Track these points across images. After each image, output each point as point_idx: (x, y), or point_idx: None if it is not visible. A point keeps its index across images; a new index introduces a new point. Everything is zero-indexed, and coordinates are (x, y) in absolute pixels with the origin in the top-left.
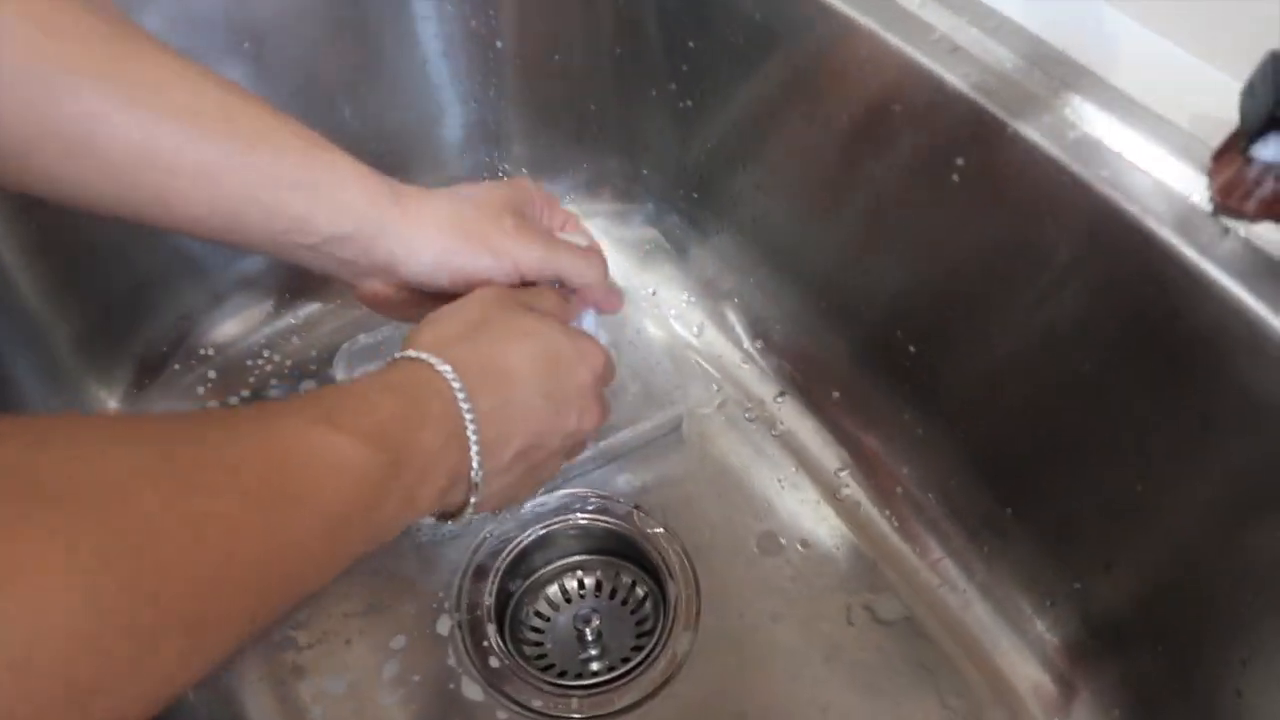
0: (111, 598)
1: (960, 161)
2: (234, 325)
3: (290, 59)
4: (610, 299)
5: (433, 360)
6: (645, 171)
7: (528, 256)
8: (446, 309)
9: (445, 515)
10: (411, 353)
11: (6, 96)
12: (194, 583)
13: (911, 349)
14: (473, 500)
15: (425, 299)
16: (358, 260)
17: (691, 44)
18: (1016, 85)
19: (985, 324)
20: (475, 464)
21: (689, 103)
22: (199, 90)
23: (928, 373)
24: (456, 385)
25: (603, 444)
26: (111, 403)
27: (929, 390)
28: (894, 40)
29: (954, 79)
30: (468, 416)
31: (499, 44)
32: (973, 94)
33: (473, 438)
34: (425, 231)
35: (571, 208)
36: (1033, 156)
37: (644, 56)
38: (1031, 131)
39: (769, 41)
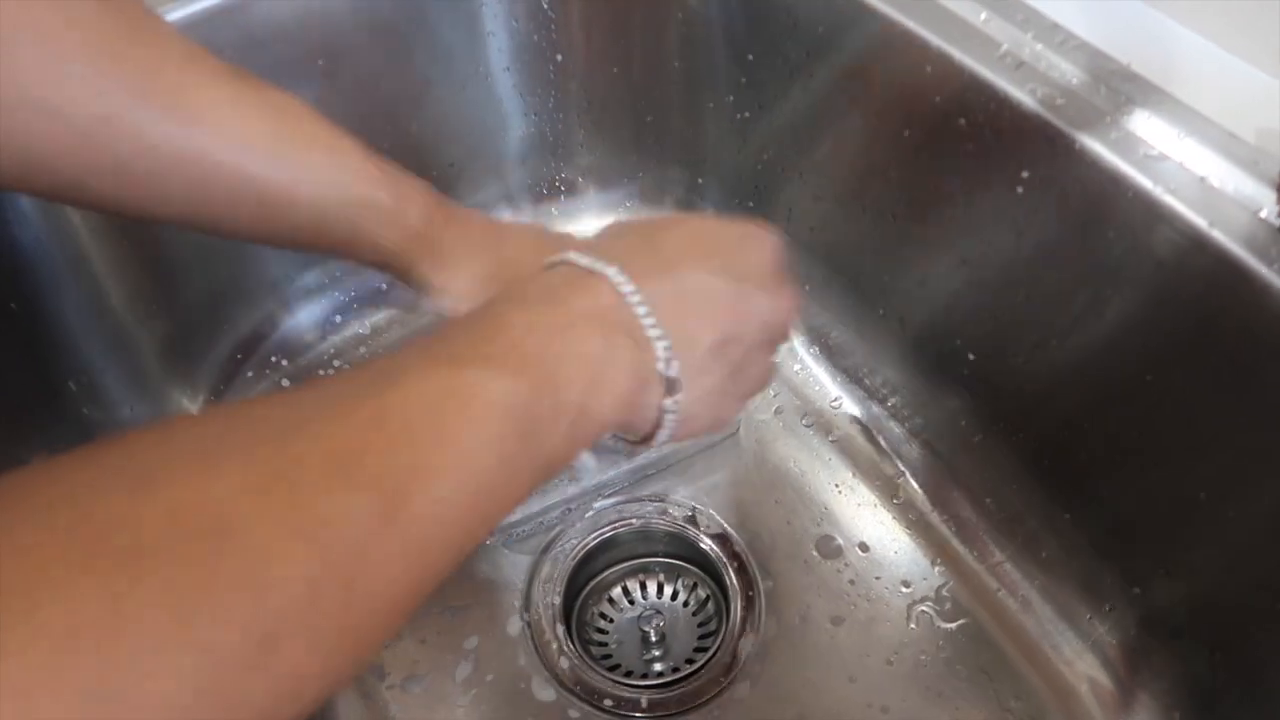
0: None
1: (1025, 174)
2: (304, 334)
3: (362, 76)
4: None
5: (573, 257)
6: (702, 180)
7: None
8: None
9: (644, 438)
10: (555, 257)
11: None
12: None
13: (970, 356)
14: (674, 401)
15: None
16: (401, 275)
17: (751, 57)
18: (1082, 100)
19: (1045, 332)
20: (662, 353)
21: (747, 114)
22: (289, 116)
23: (986, 379)
24: (612, 272)
25: (664, 450)
26: (193, 408)
27: (987, 396)
28: (959, 55)
29: (1020, 94)
30: (634, 300)
31: (559, 57)
32: (1039, 109)
33: (649, 323)
34: (457, 279)
35: (631, 216)
36: (1099, 170)
37: (704, 69)
38: (1097, 145)
39: (830, 55)
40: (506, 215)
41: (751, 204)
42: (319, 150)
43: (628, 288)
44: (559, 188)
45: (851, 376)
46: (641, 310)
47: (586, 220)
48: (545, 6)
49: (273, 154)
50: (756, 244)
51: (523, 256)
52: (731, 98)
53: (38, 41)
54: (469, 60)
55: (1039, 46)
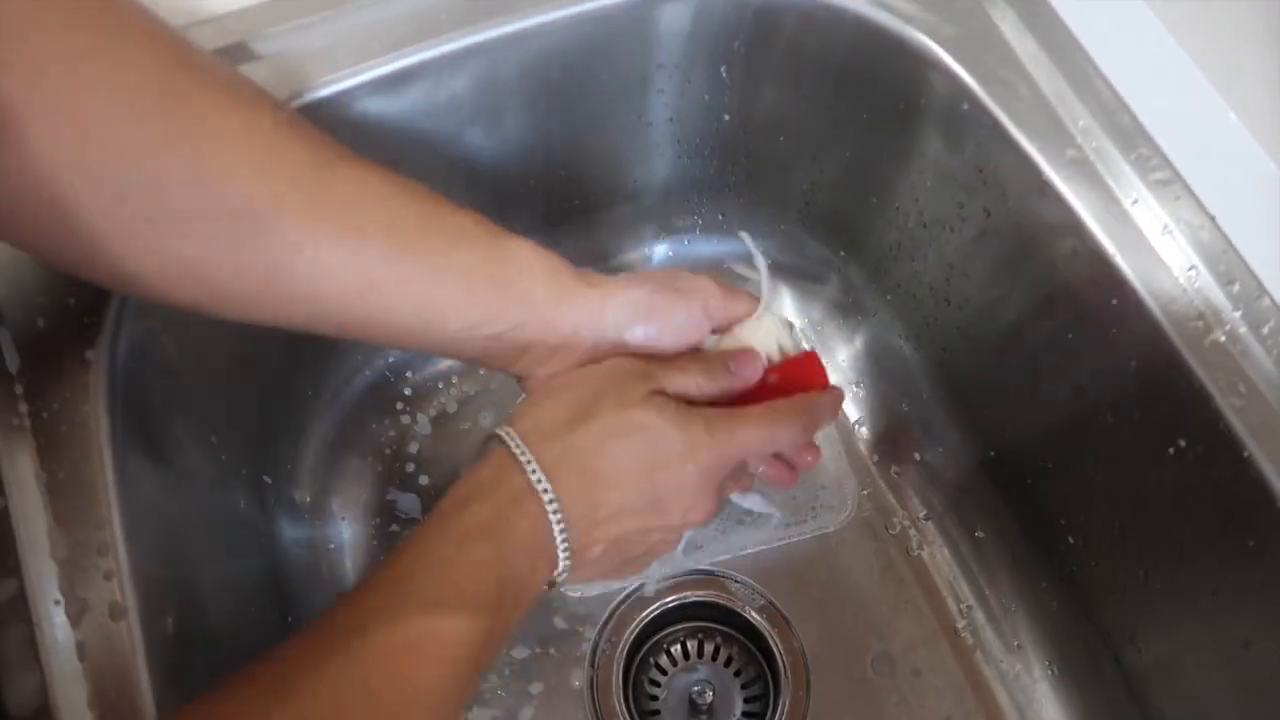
0: None
1: (1182, 443)
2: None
3: (522, 127)
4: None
5: (526, 463)
6: (844, 254)
7: (711, 298)
8: (558, 384)
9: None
10: (507, 437)
11: (212, 237)
12: None
13: (1070, 539)
14: (560, 584)
15: None
16: (542, 339)
17: (956, 198)
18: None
19: (1149, 524)
20: (562, 565)
21: (920, 227)
22: (398, 201)
23: (1080, 556)
24: (548, 500)
25: (755, 535)
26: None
27: (1079, 579)
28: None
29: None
30: (557, 529)
31: (726, 117)
32: (1219, 402)
33: (561, 548)
34: (607, 293)
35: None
36: (1263, 491)
37: (889, 166)
38: (1268, 467)
39: (1031, 247)
40: (643, 247)
41: (889, 297)
42: (479, 288)
43: (556, 520)
44: (697, 221)
45: (946, 495)
46: (561, 539)
47: (719, 255)
48: (723, 74)
49: (432, 308)
50: (696, 461)
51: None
52: (907, 211)
53: (246, 204)
54: (631, 113)
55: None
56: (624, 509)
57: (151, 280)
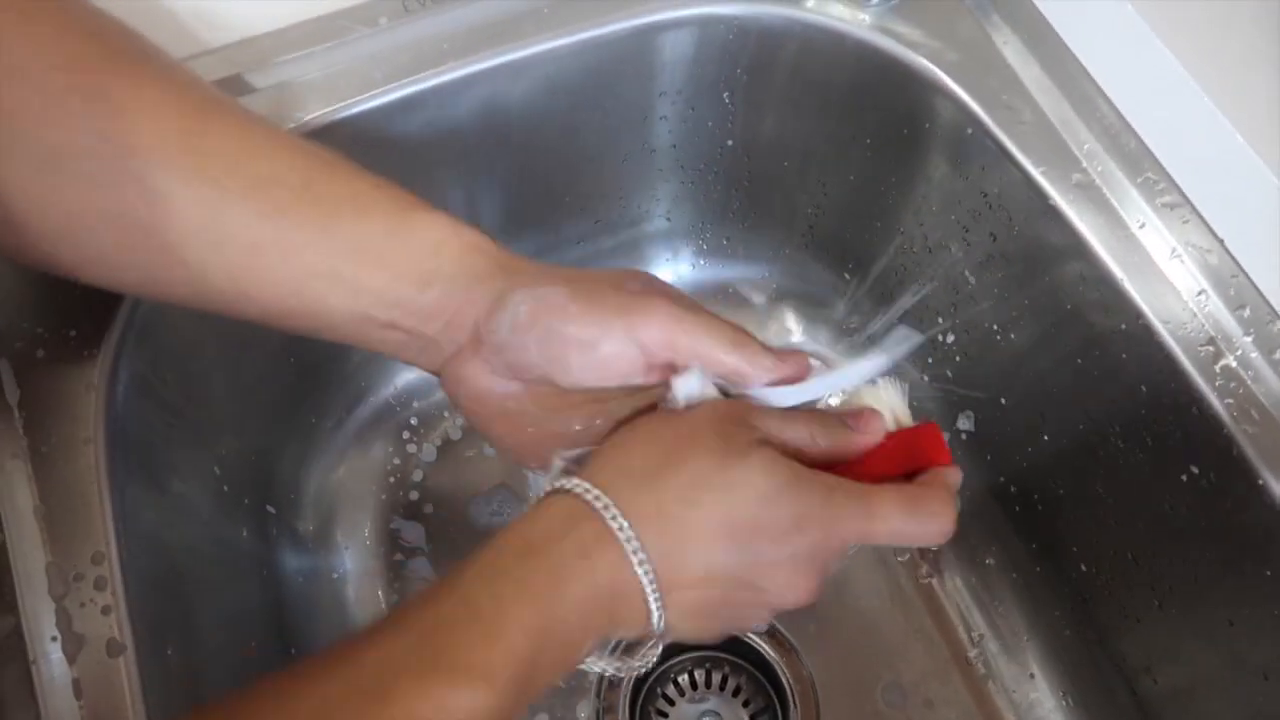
0: None
1: (1194, 469)
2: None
3: (527, 152)
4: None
5: (603, 509)
6: (848, 277)
7: (649, 324)
8: (649, 425)
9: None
10: (576, 486)
11: (63, 181)
12: None
13: (1083, 567)
14: (656, 629)
15: (524, 400)
16: (444, 335)
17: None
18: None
19: (1163, 551)
20: (656, 616)
21: (927, 250)
22: (280, 159)
23: (1093, 584)
24: (632, 550)
25: None
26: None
27: (1092, 607)
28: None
29: (1228, 420)
30: (645, 580)
31: (730, 142)
32: (1232, 428)
33: (652, 599)
34: (519, 290)
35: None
36: (1274, 513)
37: (896, 196)
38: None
39: (1038, 272)
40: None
41: (894, 322)
42: (368, 265)
43: (637, 560)
44: (702, 246)
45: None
46: (642, 571)
47: (724, 280)
48: (726, 100)
49: (313, 285)
50: (806, 535)
51: (604, 272)
52: (912, 235)
53: (95, 141)
54: (635, 139)
55: (1255, 355)
56: (712, 572)
57: (30, 229)
